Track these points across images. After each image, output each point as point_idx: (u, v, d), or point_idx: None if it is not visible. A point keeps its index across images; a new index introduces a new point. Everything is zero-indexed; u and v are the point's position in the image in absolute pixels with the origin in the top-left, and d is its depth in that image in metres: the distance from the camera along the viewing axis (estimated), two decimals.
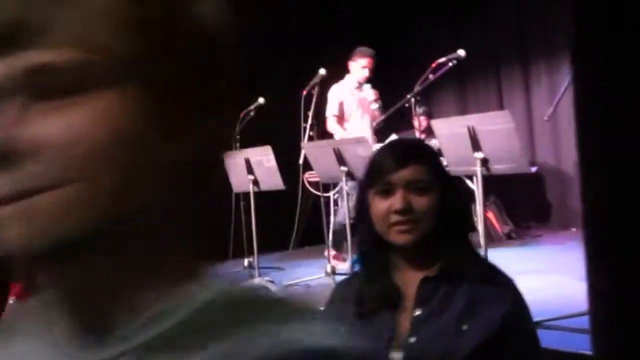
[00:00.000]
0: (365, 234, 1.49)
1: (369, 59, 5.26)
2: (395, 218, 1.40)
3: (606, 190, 0.67)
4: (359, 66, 5.29)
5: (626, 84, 0.67)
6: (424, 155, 1.47)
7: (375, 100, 5.34)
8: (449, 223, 1.43)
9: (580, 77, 0.71)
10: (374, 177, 1.45)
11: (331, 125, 5.42)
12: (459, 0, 6.99)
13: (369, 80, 5.39)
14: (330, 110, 5.41)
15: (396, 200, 1.39)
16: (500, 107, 6.88)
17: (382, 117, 5.08)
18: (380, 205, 1.42)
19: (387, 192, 1.41)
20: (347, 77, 5.41)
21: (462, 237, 1.47)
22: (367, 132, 5.21)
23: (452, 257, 1.43)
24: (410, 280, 1.44)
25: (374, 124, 5.38)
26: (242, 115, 5.34)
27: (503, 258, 4.94)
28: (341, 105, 5.38)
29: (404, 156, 1.44)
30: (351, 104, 5.37)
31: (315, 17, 7.31)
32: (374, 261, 1.48)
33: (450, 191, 1.45)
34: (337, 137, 5.28)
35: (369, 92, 5.39)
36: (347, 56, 5.41)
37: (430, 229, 1.41)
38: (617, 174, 0.67)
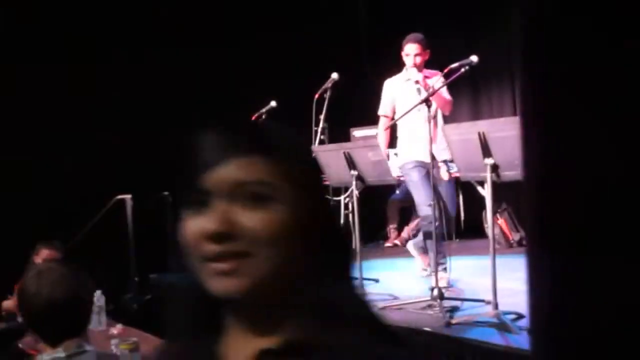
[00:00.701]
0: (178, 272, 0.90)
1: (409, 44, 4.66)
2: (209, 249, 0.79)
3: (551, 204, 0.67)
4: (404, 55, 4.70)
5: (574, 96, 0.67)
6: (263, 143, 0.83)
7: (416, 82, 4.58)
8: (312, 257, 0.83)
9: (527, 88, 0.71)
10: (184, 182, 0.84)
11: (379, 127, 4.92)
12: (474, 6, 6.97)
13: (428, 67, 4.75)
14: (379, 110, 4.93)
15: (210, 219, 0.79)
16: (514, 113, 6.84)
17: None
18: (191, 228, 0.81)
19: (201, 204, 0.81)
20: None
21: (335, 282, 0.84)
22: (419, 126, 4.46)
23: (315, 317, 0.82)
24: (243, 351, 0.84)
25: (441, 111, 4.66)
26: (254, 117, 5.37)
27: (513, 265, 4.93)
28: (390, 101, 4.82)
29: (225, 145, 0.82)
30: (399, 98, 4.78)
31: (331, 21, 7.33)
32: (194, 318, 0.90)
33: (314, 203, 0.84)
34: (380, 145, 4.80)
35: (415, 78, 4.62)
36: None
37: (275, 268, 0.80)
38: (561, 187, 0.67)
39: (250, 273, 0.79)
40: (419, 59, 4.62)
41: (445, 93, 4.54)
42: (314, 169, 0.89)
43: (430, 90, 4.35)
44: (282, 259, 0.80)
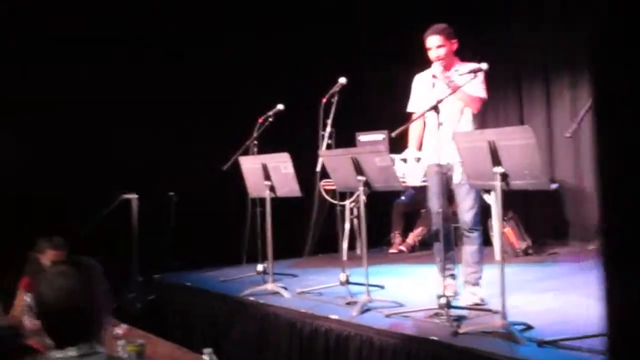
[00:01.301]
0: None
1: (430, 37, 4.30)
2: None
3: (624, 209, 0.64)
4: (427, 49, 4.33)
5: None
6: None
7: (433, 76, 4.25)
8: None
9: (599, 94, 0.68)
10: None
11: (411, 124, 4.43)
12: (481, 13, 6.94)
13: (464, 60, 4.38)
14: (408, 107, 4.55)
15: None
16: (520, 121, 6.81)
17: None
18: None
19: None
20: None
21: None
22: (429, 127, 3.99)
23: None
24: None
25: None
26: (261, 120, 5.34)
27: (520, 274, 4.92)
28: (417, 98, 4.47)
29: None
30: (423, 94, 4.41)
31: (337, 25, 7.31)
32: None
33: None
34: (410, 144, 4.60)
35: (434, 72, 4.27)
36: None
37: None
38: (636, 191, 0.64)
39: None
40: (442, 51, 4.24)
41: (472, 89, 4.13)
42: None
43: (452, 84, 4.10)
44: None
